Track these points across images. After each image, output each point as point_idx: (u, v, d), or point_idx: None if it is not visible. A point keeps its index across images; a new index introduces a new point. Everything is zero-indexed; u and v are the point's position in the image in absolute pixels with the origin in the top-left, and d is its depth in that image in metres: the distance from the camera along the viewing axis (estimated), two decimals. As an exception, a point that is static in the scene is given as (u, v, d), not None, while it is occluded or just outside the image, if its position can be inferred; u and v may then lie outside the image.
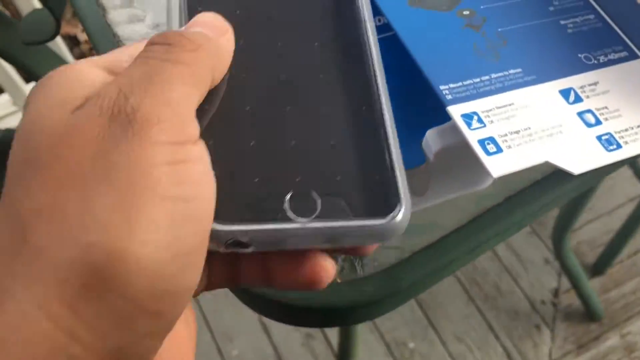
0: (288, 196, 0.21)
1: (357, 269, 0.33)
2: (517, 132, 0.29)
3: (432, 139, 0.31)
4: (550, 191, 0.35)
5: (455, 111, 0.30)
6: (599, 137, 0.30)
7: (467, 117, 0.30)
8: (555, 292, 1.17)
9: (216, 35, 0.22)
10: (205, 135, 0.20)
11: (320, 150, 0.22)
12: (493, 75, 0.31)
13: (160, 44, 0.20)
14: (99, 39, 0.40)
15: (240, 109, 0.22)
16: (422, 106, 0.32)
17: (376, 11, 0.33)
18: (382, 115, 0.23)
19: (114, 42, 0.41)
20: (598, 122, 0.31)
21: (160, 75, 0.19)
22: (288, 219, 0.20)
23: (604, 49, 0.34)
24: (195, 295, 0.20)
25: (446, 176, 0.34)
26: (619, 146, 0.30)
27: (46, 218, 0.16)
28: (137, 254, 0.16)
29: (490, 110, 0.30)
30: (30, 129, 0.18)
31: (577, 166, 0.29)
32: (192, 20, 0.22)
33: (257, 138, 0.22)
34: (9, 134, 0.79)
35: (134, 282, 0.16)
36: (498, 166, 0.28)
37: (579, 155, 0.29)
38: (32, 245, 0.16)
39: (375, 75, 0.24)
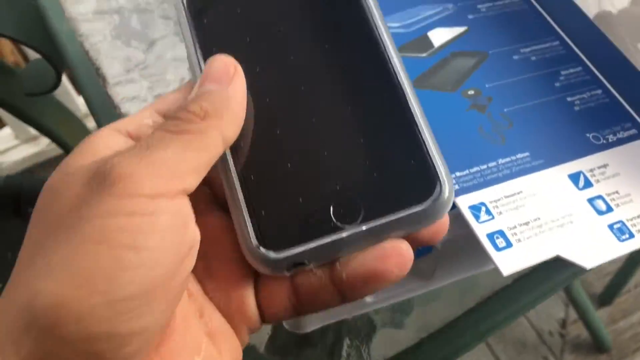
0: (332, 207, 0.21)
1: (364, 356, 0.33)
2: (527, 223, 0.29)
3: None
4: (563, 270, 0.35)
5: (463, 203, 0.29)
6: (610, 226, 0.29)
7: (475, 209, 0.29)
8: (563, 323, 1.16)
9: (225, 85, 0.22)
10: (243, 171, 0.22)
11: (352, 153, 0.22)
12: (500, 161, 0.31)
13: (171, 118, 0.21)
14: (99, 110, 0.40)
15: (269, 135, 0.22)
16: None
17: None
18: (406, 102, 0.23)
19: (114, 112, 0.40)
20: (609, 209, 0.30)
21: (160, 142, 0.20)
22: (338, 229, 0.21)
23: (612, 127, 0.33)
24: (253, 331, 0.23)
25: (453, 261, 0.33)
26: (631, 235, 0.29)
27: (22, 265, 0.19)
28: (72, 298, 0.18)
29: (499, 200, 0.29)
30: (43, 194, 0.20)
31: (589, 260, 0.28)
32: (204, 72, 0.23)
33: (291, 160, 0.22)
34: (10, 180, 0.78)
35: (68, 325, 0.18)
36: (508, 263, 0.27)
37: (591, 247, 0.28)
38: (8, 287, 0.19)
39: (393, 66, 0.23)
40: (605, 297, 1.18)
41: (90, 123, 1.12)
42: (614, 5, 0.35)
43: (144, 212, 0.19)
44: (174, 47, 0.42)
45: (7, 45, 1.25)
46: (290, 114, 0.23)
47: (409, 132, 0.22)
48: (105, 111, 0.40)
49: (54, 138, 0.76)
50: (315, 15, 0.24)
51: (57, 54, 0.62)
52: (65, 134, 0.75)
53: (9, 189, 0.77)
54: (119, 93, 0.40)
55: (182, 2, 0.25)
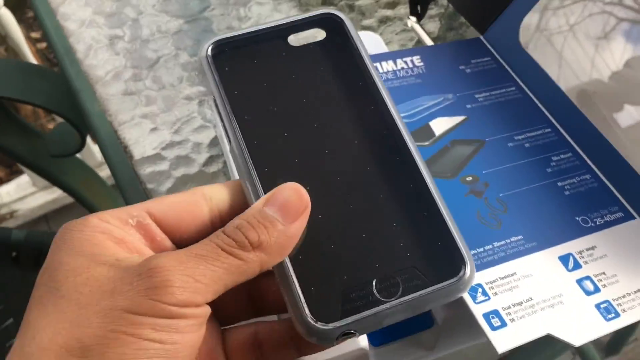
0: (374, 283, 0.24)
1: None
2: (520, 303, 0.31)
3: (440, 306, 0.33)
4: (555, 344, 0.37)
5: (461, 284, 0.32)
6: (597, 306, 0.32)
7: (472, 290, 0.31)
8: (571, 374, 1.16)
9: (290, 221, 0.23)
10: (293, 253, 0.24)
11: (388, 235, 0.25)
12: (496, 244, 0.33)
13: (227, 234, 0.23)
14: (127, 188, 0.43)
15: (315, 220, 0.25)
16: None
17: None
18: (429, 189, 0.27)
19: (139, 189, 0.43)
20: (597, 290, 0.32)
21: (208, 255, 0.22)
22: (380, 302, 0.24)
23: (600, 210, 0.36)
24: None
25: (454, 333, 0.35)
26: (617, 315, 0.32)
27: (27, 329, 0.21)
28: None
29: (494, 281, 0.32)
30: (56, 267, 0.22)
31: (577, 338, 0.31)
32: (274, 192, 0.24)
33: (336, 241, 0.25)
34: (31, 236, 0.81)
35: None
36: (503, 341, 0.30)
37: (579, 326, 0.31)
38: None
39: (414, 156, 0.27)
40: (613, 346, 1.19)
41: (104, 172, 1.16)
42: (609, 68, 0.38)
43: (174, 316, 0.21)
44: (197, 128, 0.46)
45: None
46: (332, 200, 0.26)
47: (435, 216, 0.26)
48: (133, 188, 0.43)
49: (75, 196, 0.80)
50: (326, 96, 0.28)
51: (82, 122, 0.66)
52: (87, 192, 0.79)
53: (30, 244, 0.81)
54: (146, 170, 0.44)
55: (210, 68, 0.27)
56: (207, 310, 0.22)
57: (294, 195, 0.24)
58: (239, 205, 0.26)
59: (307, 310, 0.24)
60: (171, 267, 0.21)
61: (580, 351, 1.13)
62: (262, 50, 0.28)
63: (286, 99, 0.27)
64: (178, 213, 0.25)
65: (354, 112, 0.28)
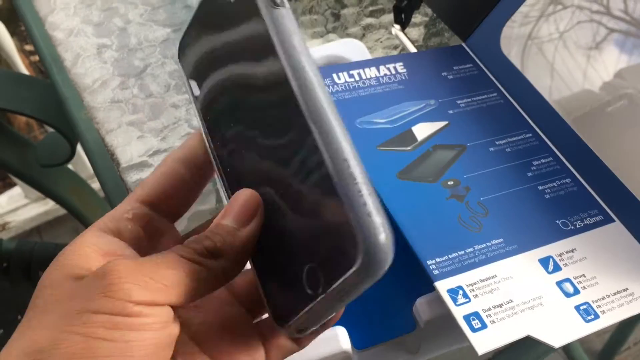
0: (304, 279, 0.23)
1: None
2: (500, 305, 0.32)
3: (422, 309, 0.34)
4: (537, 346, 0.37)
5: (442, 287, 0.32)
6: (577, 307, 0.32)
7: (453, 292, 0.32)
8: (564, 383, 1.16)
9: (243, 224, 0.24)
10: (255, 259, 0.25)
11: (301, 227, 0.24)
12: (476, 247, 0.34)
13: (186, 245, 0.23)
14: (113, 193, 0.43)
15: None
16: (411, 268, 0.34)
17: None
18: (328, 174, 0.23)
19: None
20: (576, 292, 0.33)
21: (166, 262, 0.22)
22: (312, 296, 0.23)
23: (580, 213, 0.36)
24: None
25: (437, 336, 0.36)
26: (596, 316, 0.32)
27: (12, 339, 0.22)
28: None
29: (475, 283, 0.32)
30: (41, 282, 0.23)
31: (557, 339, 0.31)
32: (228, 205, 0.25)
33: (272, 244, 0.25)
34: (21, 245, 0.81)
35: None
36: (483, 343, 0.30)
37: (559, 327, 0.31)
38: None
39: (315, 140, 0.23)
40: (605, 355, 1.19)
41: (96, 184, 1.17)
42: (601, 78, 0.39)
43: (128, 314, 0.21)
44: (184, 135, 0.46)
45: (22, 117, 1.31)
46: (267, 201, 0.25)
47: (334, 199, 0.22)
48: (119, 194, 0.43)
49: (66, 206, 0.80)
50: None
51: (71, 130, 0.66)
52: (78, 202, 0.79)
53: (20, 254, 0.81)
54: (132, 177, 0.44)
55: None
56: (169, 311, 0.22)
57: (244, 201, 0.24)
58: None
59: (270, 312, 0.25)
60: (127, 268, 0.22)
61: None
62: (207, 22, 0.27)
63: (223, 66, 0.26)
64: (164, 188, 0.26)
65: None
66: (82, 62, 0.50)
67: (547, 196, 0.37)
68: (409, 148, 0.38)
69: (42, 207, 1.42)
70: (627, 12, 0.38)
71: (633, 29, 0.38)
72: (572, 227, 0.36)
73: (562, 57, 0.40)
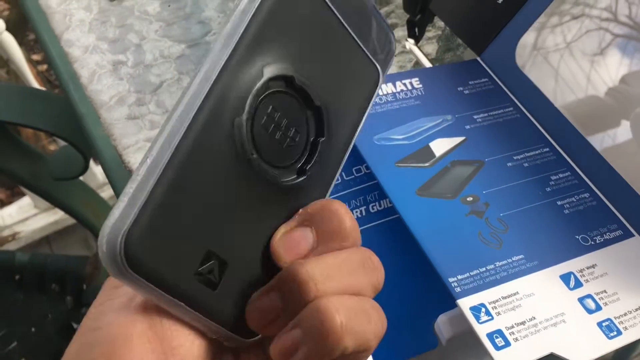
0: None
1: None
2: (523, 322, 0.32)
3: (443, 326, 0.34)
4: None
5: (465, 304, 0.32)
6: (599, 324, 0.32)
7: (476, 310, 0.32)
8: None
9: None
10: None
11: None
12: (497, 264, 0.34)
13: None
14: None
15: None
16: (432, 284, 0.35)
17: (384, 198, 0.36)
18: None
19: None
20: (598, 308, 0.33)
21: None
22: None
23: (599, 228, 0.36)
24: None
25: (459, 354, 0.36)
26: (619, 332, 0.32)
27: None
28: None
29: (497, 301, 0.32)
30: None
31: (580, 357, 0.31)
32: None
33: None
34: (34, 259, 0.82)
35: None
36: (507, 361, 0.30)
37: (582, 344, 0.31)
38: None
39: None
40: (617, 362, 1.18)
41: (105, 193, 1.17)
42: (605, 83, 0.39)
43: None
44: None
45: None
46: None
47: None
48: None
49: (78, 218, 0.80)
50: None
51: (86, 145, 0.67)
52: (90, 214, 0.79)
53: (34, 266, 0.81)
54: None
55: None
56: None
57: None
58: None
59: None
60: None
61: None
62: None
63: None
64: None
65: None
66: (99, 79, 0.51)
67: (567, 211, 0.37)
68: (427, 164, 0.38)
69: (52, 217, 1.43)
70: (632, 18, 0.38)
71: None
72: (592, 243, 0.36)
73: (568, 65, 0.40)
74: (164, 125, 0.19)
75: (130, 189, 0.19)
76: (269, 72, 0.21)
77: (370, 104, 0.26)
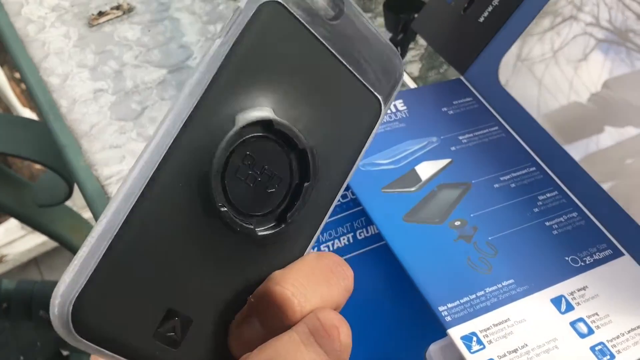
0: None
1: None
2: (515, 350, 0.31)
3: (435, 355, 0.33)
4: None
5: (456, 334, 0.31)
6: (592, 348, 0.32)
7: (467, 339, 0.31)
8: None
9: None
10: None
11: None
12: (487, 290, 0.33)
13: None
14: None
15: None
16: (422, 312, 0.34)
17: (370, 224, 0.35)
18: None
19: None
20: (590, 332, 0.32)
21: None
22: None
23: (589, 248, 0.36)
24: None
25: (452, 381, 0.35)
26: (612, 356, 0.32)
27: None
28: None
29: (488, 328, 0.32)
30: None
31: (575, 383, 0.31)
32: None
33: None
34: (22, 285, 0.80)
35: None
36: (500, 391, 0.30)
37: (576, 370, 0.31)
38: None
39: None
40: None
41: (87, 214, 1.15)
42: (588, 89, 0.39)
43: None
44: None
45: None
46: None
47: None
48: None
49: (65, 244, 0.79)
50: None
51: (70, 175, 0.66)
52: (77, 240, 0.78)
53: (20, 294, 0.80)
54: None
55: None
56: None
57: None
58: None
59: None
60: None
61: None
62: None
63: None
64: None
65: None
66: (79, 108, 0.50)
67: (555, 232, 0.36)
68: (413, 189, 0.37)
69: (40, 238, 1.41)
70: (612, 22, 0.38)
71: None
72: (582, 264, 0.35)
73: (551, 72, 0.40)
74: (122, 185, 0.19)
75: (82, 252, 0.18)
76: (243, 120, 0.20)
77: (371, 137, 0.24)
